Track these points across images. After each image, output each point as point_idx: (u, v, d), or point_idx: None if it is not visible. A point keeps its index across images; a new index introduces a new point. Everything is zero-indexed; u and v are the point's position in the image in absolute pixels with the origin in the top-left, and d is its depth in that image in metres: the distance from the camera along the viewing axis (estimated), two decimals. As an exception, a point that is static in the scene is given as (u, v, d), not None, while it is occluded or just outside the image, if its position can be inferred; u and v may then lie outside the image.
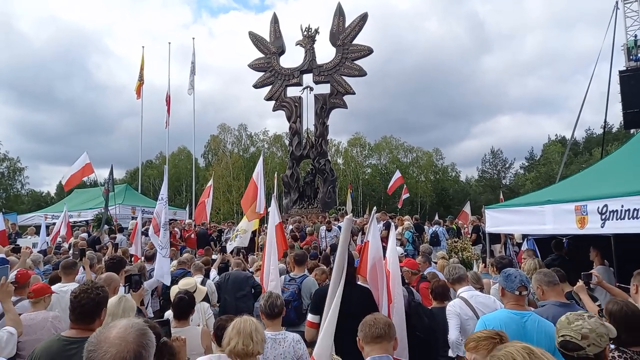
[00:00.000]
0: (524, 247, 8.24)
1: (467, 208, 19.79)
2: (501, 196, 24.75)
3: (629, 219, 4.72)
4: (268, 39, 20.22)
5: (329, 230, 11.80)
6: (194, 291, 4.50)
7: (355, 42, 18.90)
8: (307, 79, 19.65)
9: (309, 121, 19.91)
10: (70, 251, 9.01)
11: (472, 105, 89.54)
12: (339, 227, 11.47)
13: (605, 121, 16.98)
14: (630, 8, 15.41)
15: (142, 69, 25.38)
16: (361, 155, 59.24)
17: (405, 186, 25.10)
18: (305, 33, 19.60)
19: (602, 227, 5.09)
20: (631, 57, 14.71)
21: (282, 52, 20.20)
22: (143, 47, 25.89)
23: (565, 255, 6.55)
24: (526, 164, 59.48)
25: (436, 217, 19.12)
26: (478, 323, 3.17)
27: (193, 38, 23.99)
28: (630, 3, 15.38)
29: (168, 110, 25.53)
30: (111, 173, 15.50)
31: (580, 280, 4.13)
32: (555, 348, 2.88)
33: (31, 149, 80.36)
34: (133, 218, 15.67)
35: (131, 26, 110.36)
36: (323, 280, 5.85)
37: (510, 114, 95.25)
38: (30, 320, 3.69)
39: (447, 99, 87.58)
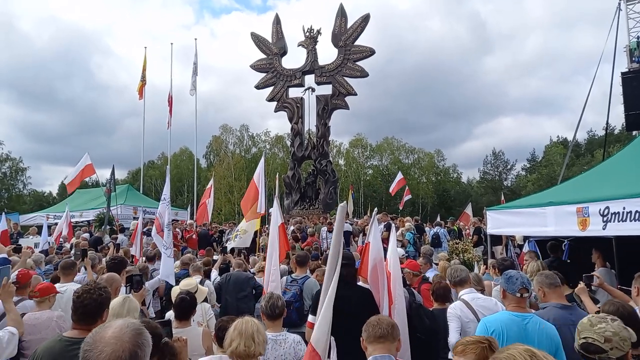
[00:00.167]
0: (525, 248, 8.22)
1: (468, 209, 19.81)
2: (502, 198, 24.78)
3: (630, 221, 4.70)
4: (270, 40, 20.23)
5: (330, 231, 11.78)
6: (195, 292, 4.51)
7: (357, 43, 18.90)
8: (309, 80, 19.66)
9: (310, 122, 19.97)
10: (72, 251, 9.02)
11: (473, 105, 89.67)
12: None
13: (607, 123, 16.93)
14: (633, 9, 15.35)
15: (144, 69, 25.42)
16: (362, 156, 59.27)
17: (407, 187, 25.11)
18: (307, 34, 19.61)
19: (603, 229, 5.07)
20: (633, 59, 14.63)
21: (284, 53, 20.20)
22: (145, 47, 25.76)
23: (568, 259, 6.53)
24: (528, 165, 59.34)
25: (437, 219, 19.12)
26: (479, 325, 3.17)
27: (195, 39, 23.98)
28: (633, 4, 15.31)
29: (170, 111, 25.62)
30: (112, 173, 15.56)
31: (581, 282, 4.13)
32: (557, 350, 2.89)
33: (33, 149, 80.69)
34: (135, 218, 15.68)
35: (132, 26, 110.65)
36: (324, 281, 5.84)
37: (511, 115, 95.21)
38: (35, 319, 3.70)
39: (448, 99, 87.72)
